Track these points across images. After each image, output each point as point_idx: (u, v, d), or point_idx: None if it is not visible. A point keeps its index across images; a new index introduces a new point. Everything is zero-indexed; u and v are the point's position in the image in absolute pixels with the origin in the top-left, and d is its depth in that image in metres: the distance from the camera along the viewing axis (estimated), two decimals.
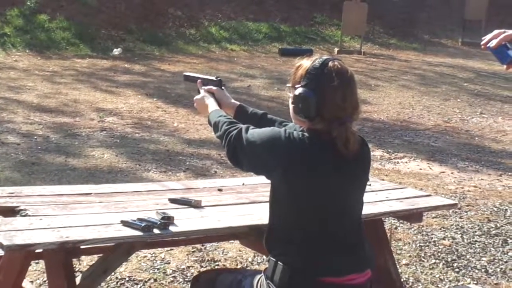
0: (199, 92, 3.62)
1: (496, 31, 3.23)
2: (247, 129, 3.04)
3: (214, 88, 3.59)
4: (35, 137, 8.51)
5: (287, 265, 2.95)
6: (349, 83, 2.97)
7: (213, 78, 3.65)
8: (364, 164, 3.11)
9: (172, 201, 3.68)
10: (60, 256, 3.13)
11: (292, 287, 2.95)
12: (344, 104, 2.93)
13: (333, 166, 2.94)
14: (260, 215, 3.49)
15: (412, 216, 4.13)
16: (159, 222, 3.18)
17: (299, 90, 2.96)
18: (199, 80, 3.67)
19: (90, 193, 3.78)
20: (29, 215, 3.27)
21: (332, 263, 2.97)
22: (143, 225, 3.13)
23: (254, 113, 3.54)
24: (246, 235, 3.59)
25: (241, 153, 3.01)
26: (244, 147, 2.99)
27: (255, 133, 3.00)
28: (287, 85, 3.08)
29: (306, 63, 3.01)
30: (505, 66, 3.24)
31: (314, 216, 2.97)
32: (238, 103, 3.59)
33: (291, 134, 2.94)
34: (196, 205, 3.62)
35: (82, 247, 3.12)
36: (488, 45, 3.23)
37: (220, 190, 4.06)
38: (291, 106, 3.04)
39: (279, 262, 2.97)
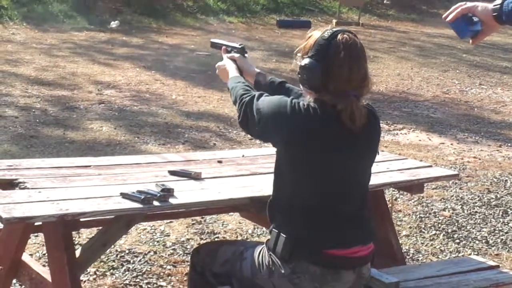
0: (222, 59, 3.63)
1: (458, 4, 3.08)
2: (259, 97, 3.04)
3: (236, 55, 3.59)
4: (33, 110, 8.47)
5: (290, 236, 2.93)
6: (357, 56, 2.93)
7: (237, 45, 3.65)
8: (372, 137, 3.07)
9: (172, 173, 3.65)
10: (60, 229, 3.12)
11: (295, 259, 2.93)
12: (349, 77, 2.90)
13: (335, 138, 2.92)
14: (260, 186, 3.48)
15: (413, 187, 4.11)
16: (158, 194, 3.17)
17: (305, 61, 2.94)
18: (223, 47, 3.68)
19: (89, 166, 3.75)
20: (28, 188, 3.25)
21: (336, 235, 2.96)
22: (142, 197, 3.11)
23: (272, 81, 3.52)
24: (247, 206, 3.57)
25: (251, 119, 3.02)
26: (253, 114, 3.00)
27: (265, 100, 3.01)
28: (298, 55, 3.04)
29: (316, 34, 2.99)
30: (470, 41, 3.12)
31: (314, 188, 2.96)
32: (258, 70, 3.58)
33: (297, 104, 2.93)
34: (196, 177, 3.60)
35: (81, 219, 3.10)
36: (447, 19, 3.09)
37: (220, 162, 4.03)
38: (299, 76, 3.01)
39: (281, 234, 2.95)
